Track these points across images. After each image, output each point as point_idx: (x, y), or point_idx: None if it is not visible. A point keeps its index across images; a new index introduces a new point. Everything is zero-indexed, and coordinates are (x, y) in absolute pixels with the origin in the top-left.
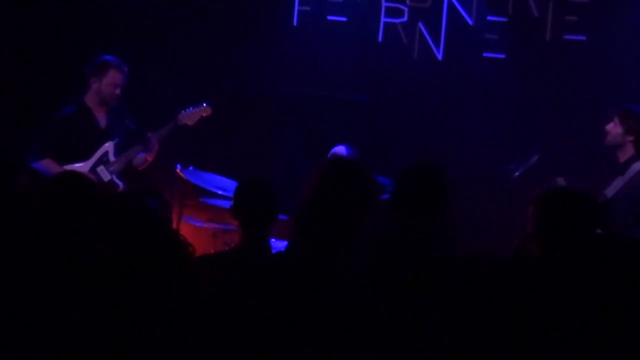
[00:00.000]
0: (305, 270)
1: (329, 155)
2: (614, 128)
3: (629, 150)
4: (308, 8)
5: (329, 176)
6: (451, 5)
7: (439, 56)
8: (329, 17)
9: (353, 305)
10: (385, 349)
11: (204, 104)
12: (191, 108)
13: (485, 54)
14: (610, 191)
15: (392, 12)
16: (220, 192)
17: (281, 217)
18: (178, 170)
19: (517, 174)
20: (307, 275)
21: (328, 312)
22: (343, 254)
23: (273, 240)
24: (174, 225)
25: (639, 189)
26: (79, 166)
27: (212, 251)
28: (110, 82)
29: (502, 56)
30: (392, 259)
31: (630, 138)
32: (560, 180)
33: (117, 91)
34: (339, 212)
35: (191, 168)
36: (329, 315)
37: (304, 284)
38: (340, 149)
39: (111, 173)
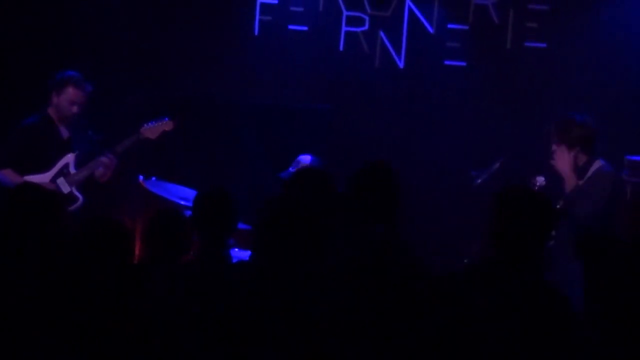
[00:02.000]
0: (264, 280)
1: (294, 164)
2: (560, 156)
3: (582, 158)
4: (269, 18)
5: (295, 186)
6: (412, 14)
7: (400, 64)
8: (290, 27)
9: (314, 312)
10: (346, 356)
11: (166, 119)
12: (153, 122)
13: (446, 62)
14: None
15: (353, 21)
16: (183, 203)
17: (244, 226)
18: (140, 181)
19: (479, 180)
20: (265, 284)
21: (289, 320)
22: (307, 263)
23: (236, 250)
24: (138, 237)
25: (596, 189)
26: (39, 177)
27: None
28: (68, 99)
29: (463, 64)
30: (350, 268)
31: (577, 149)
32: (540, 180)
33: (75, 109)
34: (303, 221)
35: (153, 179)
36: (290, 323)
37: (263, 293)
38: (306, 158)
39: (71, 185)
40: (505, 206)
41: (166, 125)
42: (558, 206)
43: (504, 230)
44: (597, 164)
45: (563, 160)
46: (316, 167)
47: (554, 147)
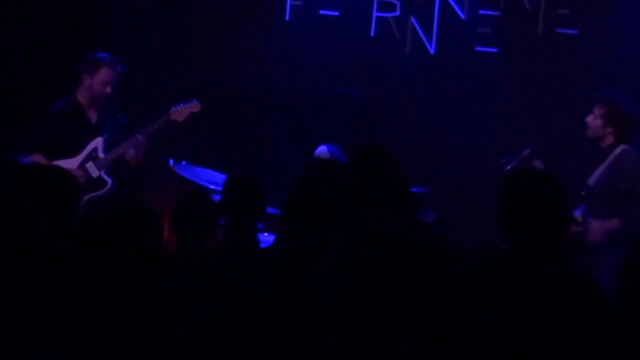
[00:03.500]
0: (287, 265)
1: (313, 156)
2: (593, 121)
3: (608, 140)
4: (300, 2)
5: (310, 175)
6: (443, 0)
7: (431, 50)
8: (321, 12)
9: (335, 298)
10: (368, 343)
11: (194, 101)
12: (181, 104)
13: (477, 48)
14: (592, 180)
15: (384, 7)
16: (212, 187)
17: (273, 211)
18: (171, 165)
19: (508, 167)
20: (289, 269)
21: (311, 305)
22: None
23: (266, 234)
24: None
25: (617, 174)
26: (67, 162)
27: None
28: (102, 80)
29: (495, 50)
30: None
31: (610, 130)
32: (538, 163)
33: (108, 90)
34: (320, 209)
35: (184, 163)
36: (313, 308)
37: (286, 277)
38: (322, 149)
39: (100, 169)
40: (514, 192)
41: (194, 107)
42: (583, 193)
43: (516, 217)
44: (620, 147)
45: (595, 127)
46: (331, 157)
47: (590, 117)
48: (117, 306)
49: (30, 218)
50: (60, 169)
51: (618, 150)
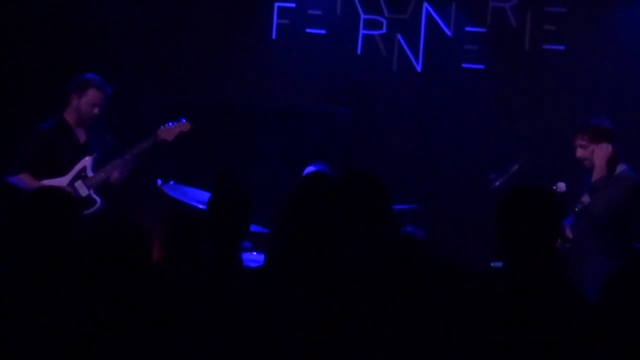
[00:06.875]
0: (277, 283)
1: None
2: (583, 152)
3: (609, 149)
4: (287, 21)
5: (302, 192)
6: (429, 17)
7: (418, 68)
8: (308, 30)
9: (325, 316)
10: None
11: (183, 120)
12: (170, 124)
13: (464, 65)
14: (587, 198)
15: (370, 25)
16: (201, 206)
17: (263, 230)
18: (159, 185)
19: (497, 183)
20: (278, 288)
21: (302, 324)
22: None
23: (255, 253)
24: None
25: (613, 192)
26: (56, 181)
27: None
28: (89, 101)
29: (481, 67)
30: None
31: (606, 142)
32: (561, 186)
33: (96, 111)
34: (312, 227)
35: (172, 183)
36: (302, 327)
37: (275, 297)
38: (311, 169)
39: (89, 188)
40: (507, 209)
41: (183, 126)
42: (576, 209)
43: (518, 236)
44: (620, 167)
45: (600, 153)
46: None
47: (582, 150)
48: (103, 320)
49: (30, 236)
50: (56, 188)
51: (618, 170)
